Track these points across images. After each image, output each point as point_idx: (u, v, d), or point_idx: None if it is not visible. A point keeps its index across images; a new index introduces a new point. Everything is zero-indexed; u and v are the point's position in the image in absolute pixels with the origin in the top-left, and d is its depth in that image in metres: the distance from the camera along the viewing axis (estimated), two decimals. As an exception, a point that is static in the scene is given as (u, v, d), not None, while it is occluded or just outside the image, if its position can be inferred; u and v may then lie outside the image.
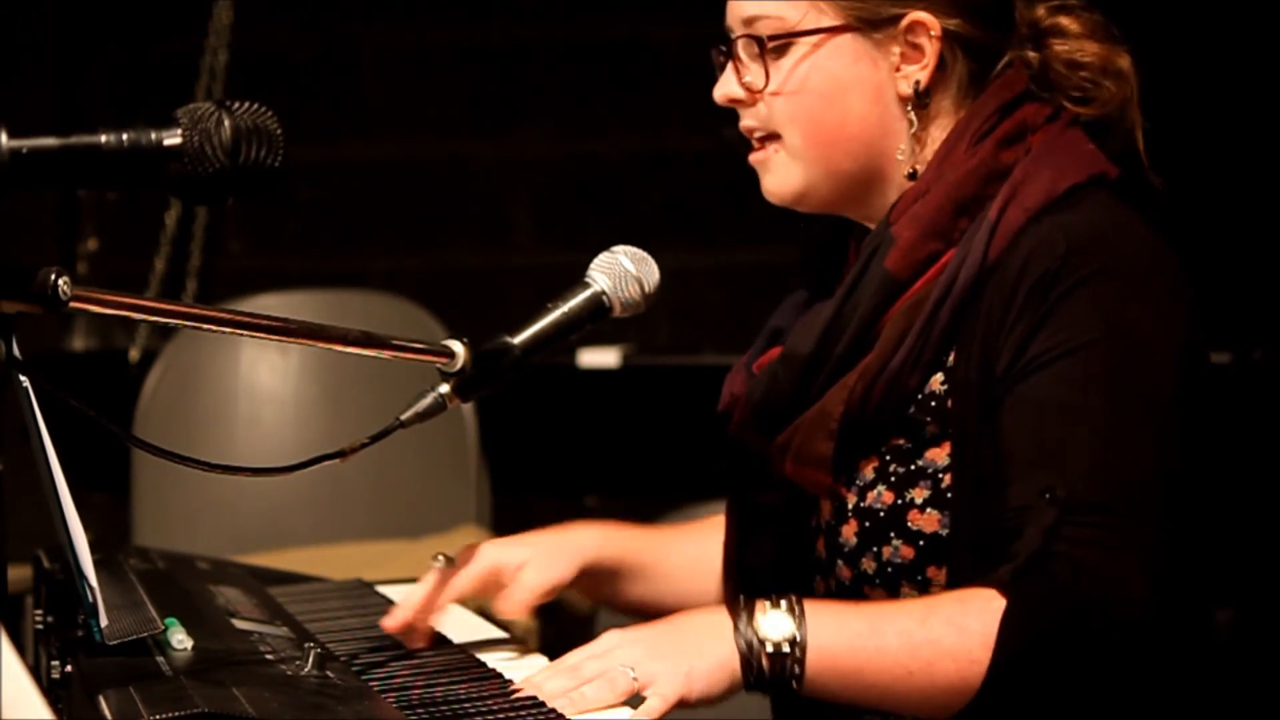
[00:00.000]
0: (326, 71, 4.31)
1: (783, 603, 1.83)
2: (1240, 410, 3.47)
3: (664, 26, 4.11)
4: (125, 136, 1.61)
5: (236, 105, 1.66)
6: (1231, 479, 1.97)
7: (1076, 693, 1.80)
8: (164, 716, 1.52)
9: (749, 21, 2.01)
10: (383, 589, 2.39)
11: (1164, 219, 1.97)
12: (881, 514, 1.95)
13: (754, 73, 2.00)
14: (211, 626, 1.95)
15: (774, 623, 1.82)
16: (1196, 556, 1.88)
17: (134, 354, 4.26)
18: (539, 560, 2.10)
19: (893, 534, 1.94)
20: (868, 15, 1.97)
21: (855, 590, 1.97)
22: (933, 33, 1.97)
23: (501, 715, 1.75)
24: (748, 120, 2.03)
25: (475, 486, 3.84)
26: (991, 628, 1.79)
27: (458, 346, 1.93)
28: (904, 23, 1.97)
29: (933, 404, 1.94)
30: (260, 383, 3.90)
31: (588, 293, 2.00)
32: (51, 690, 1.72)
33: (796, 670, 1.81)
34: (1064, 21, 2.03)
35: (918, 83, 1.98)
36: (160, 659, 1.74)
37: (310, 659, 1.81)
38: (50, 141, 1.59)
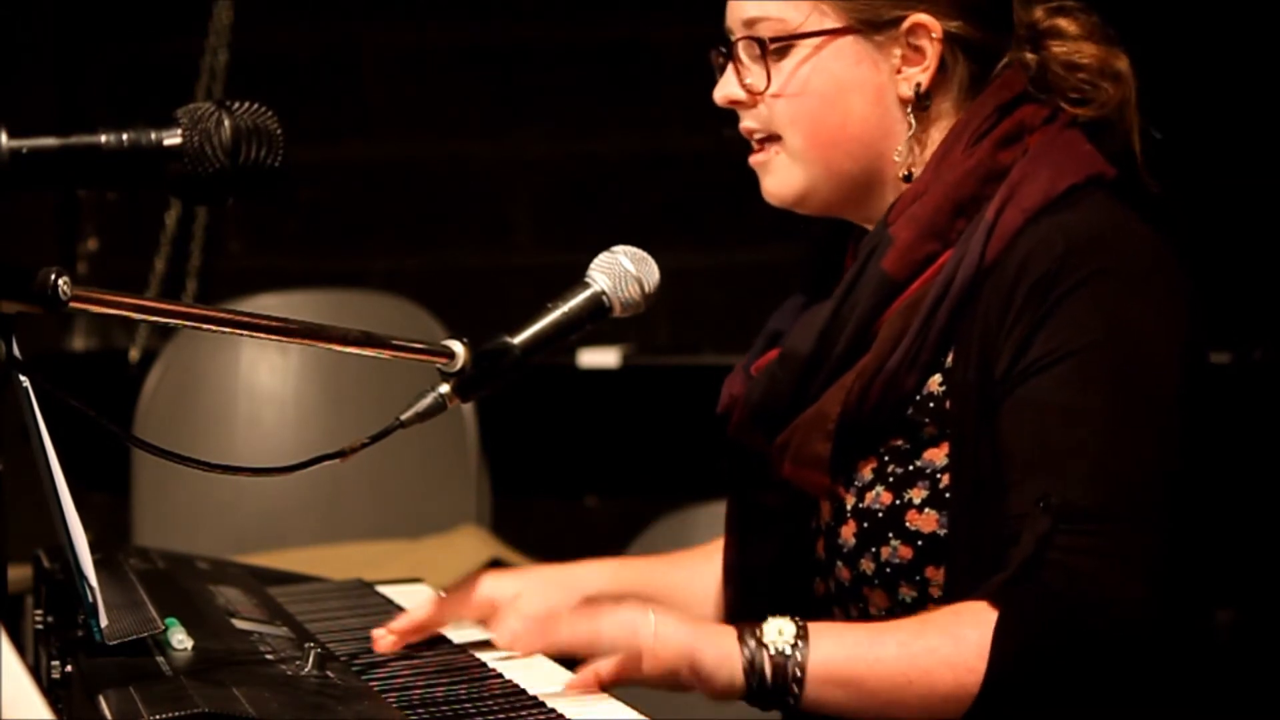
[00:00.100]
0: (326, 71, 4.31)
1: (786, 617, 1.84)
2: (1240, 410, 3.47)
3: (664, 26, 4.11)
4: (125, 136, 1.61)
5: (236, 105, 1.66)
6: (1231, 479, 1.97)
7: (1075, 697, 1.80)
8: (164, 716, 1.52)
9: (750, 23, 2.00)
10: (383, 589, 2.39)
11: (1163, 219, 1.97)
12: (880, 515, 1.95)
13: (755, 74, 2.00)
14: (211, 626, 1.95)
15: (777, 629, 1.83)
16: (1197, 558, 1.88)
17: (134, 354, 4.26)
18: (536, 590, 2.10)
19: (891, 534, 1.94)
20: (869, 17, 1.97)
21: (854, 591, 1.97)
22: (934, 35, 1.97)
23: (502, 715, 1.75)
24: (748, 122, 2.03)
25: (475, 486, 3.84)
26: (987, 637, 1.80)
27: (458, 346, 1.93)
28: (905, 25, 1.97)
29: (930, 405, 1.94)
30: (260, 383, 3.90)
31: (588, 293, 2.00)
32: (51, 690, 1.72)
33: (798, 674, 1.81)
34: (1062, 23, 2.03)
35: (919, 85, 1.98)
36: (160, 659, 1.74)
37: (310, 659, 1.81)
38: (50, 141, 1.59)
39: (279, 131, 1.67)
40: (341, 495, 3.80)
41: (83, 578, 1.73)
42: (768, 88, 2.00)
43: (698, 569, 2.24)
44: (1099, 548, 1.80)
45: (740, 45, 2.01)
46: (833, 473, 1.98)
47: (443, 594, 2.13)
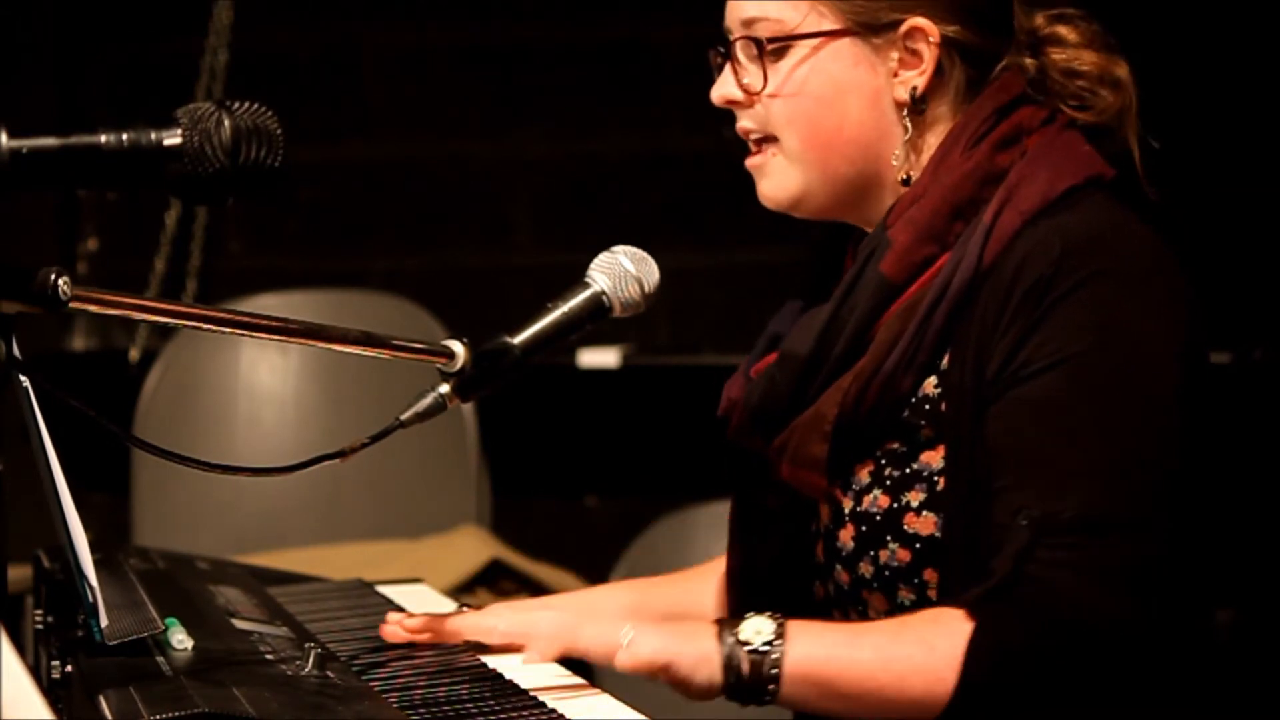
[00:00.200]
0: (326, 71, 4.31)
1: (765, 614, 1.85)
2: (1240, 410, 3.47)
3: (664, 26, 4.11)
4: (125, 136, 1.61)
5: (236, 105, 1.66)
6: (1231, 479, 1.97)
7: (1053, 708, 1.80)
8: (164, 716, 1.52)
9: (748, 23, 2.00)
10: (383, 589, 2.39)
11: (1162, 220, 1.96)
12: (878, 518, 1.95)
13: (752, 74, 2.00)
14: (211, 626, 1.95)
15: (755, 628, 1.84)
16: (1196, 561, 1.88)
17: (134, 354, 4.26)
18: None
19: (889, 537, 1.94)
20: (867, 20, 1.97)
21: (854, 594, 1.97)
22: (931, 39, 1.97)
23: (503, 715, 1.75)
24: (745, 122, 2.03)
25: (475, 486, 3.84)
26: (959, 648, 1.80)
27: (458, 346, 1.93)
28: (903, 28, 1.97)
29: (926, 407, 1.93)
30: (260, 383, 3.90)
31: (588, 293, 2.00)
32: (51, 690, 1.72)
33: (774, 673, 1.82)
34: (1062, 30, 2.03)
35: (915, 88, 1.98)
36: (160, 659, 1.74)
37: (310, 659, 1.81)
38: (50, 141, 1.59)
39: (279, 131, 1.67)
40: (341, 495, 3.80)
41: (83, 578, 1.73)
42: (764, 88, 2.00)
43: (709, 585, 2.24)
44: (1079, 561, 1.80)
45: (738, 45, 2.01)
46: (830, 475, 1.98)
47: (465, 609, 2.13)
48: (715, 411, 2.12)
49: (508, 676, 1.88)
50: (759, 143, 2.03)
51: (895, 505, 1.94)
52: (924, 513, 1.92)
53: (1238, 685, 2.03)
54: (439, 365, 1.94)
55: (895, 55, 1.98)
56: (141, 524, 3.85)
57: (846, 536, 1.97)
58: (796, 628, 1.85)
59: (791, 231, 2.18)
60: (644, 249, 2.03)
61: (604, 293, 2.00)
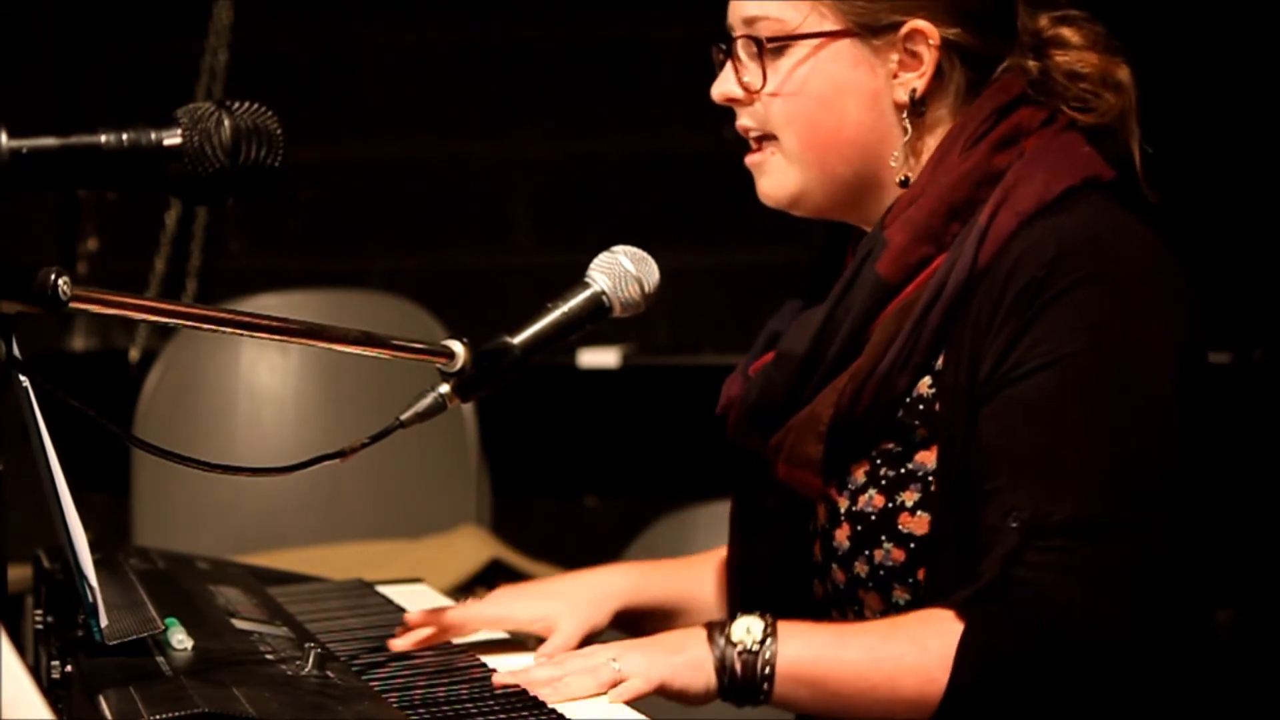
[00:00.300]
0: (326, 71, 4.31)
1: (755, 614, 1.86)
2: (1240, 410, 3.47)
3: (664, 26, 4.11)
4: (125, 136, 1.61)
5: (236, 105, 1.66)
6: (1231, 479, 1.97)
7: (1047, 708, 1.80)
8: (164, 716, 1.52)
9: (749, 21, 2.00)
10: (383, 589, 2.39)
11: (1162, 220, 1.96)
12: (873, 517, 1.95)
13: (752, 73, 2.00)
14: (211, 626, 1.95)
15: (745, 628, 1.85)
16: (1192, 561, 1.88)
17: (134, 354, 4.26)
18: (568, 613, 2.10)
19: (884, 537, 1.94)
20: (867, 21, 1.97)
21: (850, 594, 1.98)
22: (931, 41, 1.97)
23: (502, 715, 1.75)
24: (744, 120, 2.03)
25: (475, 486, 3.84)
26: (950, 649, 1.81)
27: (458, 346, 1.93)
28: (903, 30, 1.97)
29: (921, 407, 1.94)
30: (260, 383, 3.90)
31: (588, 293, 2.00)
32: (51, 690, 1.72)
33: (767, 672, 1.83)
34: (1066, 33, 2.02)
35: (914, 90, 1.98)
36: (160, 659, 1.74)
37: (310, 659, 1.81)
38: (50, 141, 1.59)
39: (279, 131, 1.67)
40: (341, 495, 3.80)
41: (83, 578, 1.73)
42: (764, 86, 2.00)
43: (710, 572, 2.24)
44: (1069, 564, 1.80)
45: (739, 43, 2.01)
46: (825, 475, 1.98)
47: (475, 598, 2.14)
48: (715, 411, 2.13)
49: (508, 677, 1.88)
50: (759, 141, 2.03)
51: (890, 505, 1.94)
52: (918, 512, 1.92)
53: (1238, 685, 2.02)
54: (439, 365, 1.94)
55: (895, 57, 1.98)
56: (141, 524, 3.85)
57: (842, 536, 1.97)
58: (787, 628, 1.85)
59: (792, 232, 2.18)
60: (644, 249, 2.03)
61: (604, 293, 2.00)
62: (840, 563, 1.98)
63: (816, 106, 1.99)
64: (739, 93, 2.02)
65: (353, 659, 1.96)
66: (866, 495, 1.96)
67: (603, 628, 2.14)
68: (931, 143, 2.00)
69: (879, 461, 1.96)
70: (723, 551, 2.23)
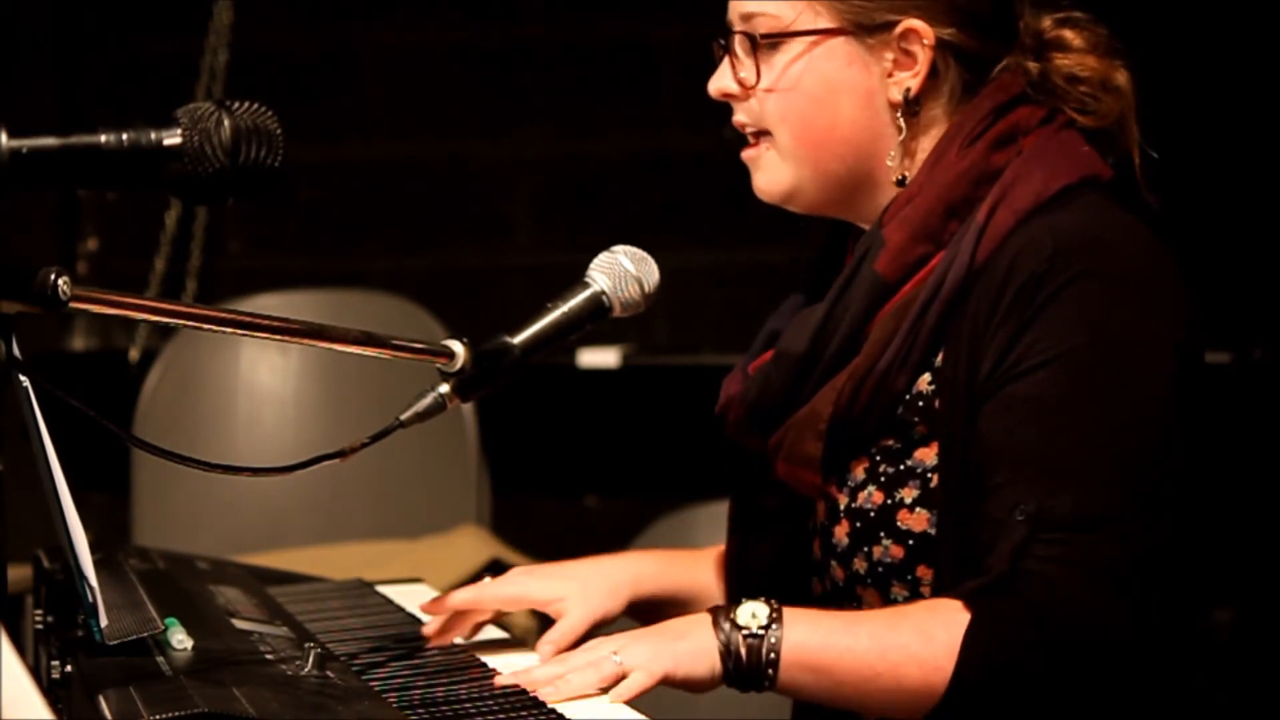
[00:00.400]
0: (326, 71, 4.31)
1: (760, 600, 1.86)
2: (1240, 410, 3.47)
3: (664, 26, 4.11)
4: (125, 136, 1.61)
5: (236, 105, 1.66)
6: (1231, 479, 1.97)
7: (1048, 702, 1.80)
8: (164, 716, 1.52)
9: (746, 18, 2.01)
10: (383, 589, 2.39)
11: (1161, 220, 1.96)
12: (872, 514, 1.95)
13: (748, 68, 2.01)
14: (211, 626, 1.95)
15: (751, 612, 1.85)
16: (1189, 561, 1.88)
17: (134, 354, 4.26)
18: (581, 596, 2.10)
19: (882, 534, 1.94)
20: (862, 20, 1.97)
21: (848, 591, 1.98)
22: (926, 41, 1.97)
23: (502, 715, 1.75)
24: (740, 115, 2.04)
25: (475, 486, 3.84)
26: (956, 639, 1.81)
27: (458, 346, 1.93)
28: (898, 29, 1.97)
29: (920, 404, 1.94)
30: (260, 383, 3.90)
31: (588, 293, 2.00)
32: (51, 690, 1.72)
33: (772, 657, 1.82)
34: (1068, 35, 2.02)
35: (908, 90, 1.98)
36: (160, 659, 1.74)
37: (310, 659, 1.81)
38: (50, 141, 1.59)
39: (279, 131, 1.67)
40: (341, 495, 3.80)
41: (83, 578, 1.73)
42: (758, 82, 2.00)
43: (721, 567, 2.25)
44: (1074, 557, 1.81)
45: (736, 39, 2.02)
46: (824, 473, 1.98)
47: (488, 580, 2.14)
48: (714, 410, 2.13)
49: (507, 677, 1.89)
50: (754, 136, 2.04)
51: (889, 501, 1.94)
52: (917, 509, 1.93)
53: (1238, 685, 2.03)
54: (439, 365, 1.94)
55: (890, 56, 1.98)
56: (141, 524, 3.85)
57: (841, 532, 1.97)
58: (792, 613, 1.85)
59: (791, 232, 2.18)
60: (644, 249, 2.03)
61: (604, 293, 2.00)
62: (839, 560, 1.98)
63: (810, 103, 1.99)
64: (734, 88, 2.02)
65: (353, 659, 1.96)
66: (866, 492, 1.96)
67: (615, 615, 2.14)
68: (926, 142, 2.00)
69: (878, 458, 1.96)
70: None
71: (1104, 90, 2.01)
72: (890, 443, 1.95)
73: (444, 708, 1.77)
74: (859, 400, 1.95)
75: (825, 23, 1.98)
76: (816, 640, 1.84)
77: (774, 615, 1.84)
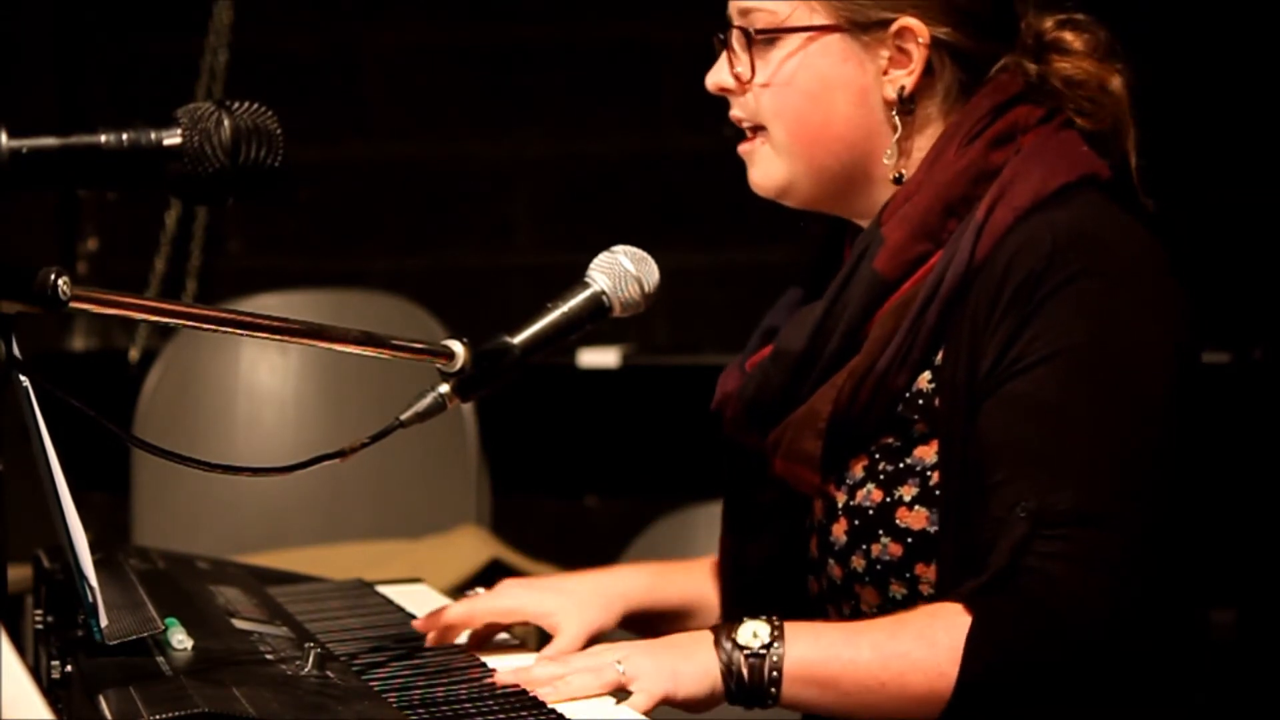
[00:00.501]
0: (326, 71, 4.31)
1: (761, 618, 1.85)
2: (1240, 410, 3.47)
3: (664, 26, 4.11)
4: (125, 136, 1.61)
5: (236, 105, 1.66)
6: (1230, 479, 1.97)
7: (1051, 701, 1.80)
8: (164, 716, 1.52)
9: (744, 13, 2.02)
10: (383, 589, 2.39)
11: (1159, 222, 1.96)
12: (870, 512, 1.95)
13: (744, 64, 2.01)
14: (211, 626, 1.95)
15: (752, 631, 1.84)
16: (1187, 559, 1.88)
17: (134, 354, 4.26)
18: (575, 610, 2.10)
19: (881, 532, 1.94)
20: (857, 17, 1.98)
21: (846, 589, 1.98)
22: (921, 40, 1.97)
23: (502, 715, 1.75)
24: (736, 110, 2.05)
25: (475, 486, 3.84)
26: (958, 642, 1.81)
27: (458, 346, 1.93)
28: (893, 27, 1.97)
29: (920, 402, 1.94)
30: (260, 383, 3.90)
31: (588, 293, 2.00)
32: (51, 690, 1.72)
33: (775, 675, 1.82)
34: (1068, 37, 2.03)
35: (903, 88, 1.98)
36: (160, 659, 1.74)
37: (310, 659, 1.81)
38: (50, 141, 1.59)
39: (279, 131, 1.67)
40: (341, 495, 3.80)
41: (83, 578, 1.73)
42: (754, 78, 2.00)
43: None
44: (1074, 553, 1.81)
45: (733, 34, 2.02)
46: (823, 471, 1.98)
47: (479, 592, 2.14)
48: (710, 407, 2.13)
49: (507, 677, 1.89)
50: (751, 131, 2.04)
51: (888, 500, 1.94)
52: (916, 507, 1.93)
53: (1238, 685, 2.03)
54: (439, 365, 1.94)
55: (885, 54, 1.98)
56: (141, 524, 3.85)
57: (839, 531, 1.97)
58: (794, 628, 1.85)
59: (791, 231, 2.18)
60: (644, 249, 2.03)
61: (604, 293, 2.00)
62: (837, 558, 1.98)
63: (804, 99, 1.99)
64: (730, 83, 2.03)
65: (353, 659, 1.96)
66: (864, 490, 1.96)
67: (610, 628, 2.13)
68: (922, 141, 2.01)
69: (877, 456, 1.96)
70: None
71: (1101, 94, 2.01)
72: (890, 441, 1.95)
73: (444, 708, 1.77)
74: (859, 399, 1.95)
75: (820, 19, 1.98)
76: (818, 654, 1.84)
77: (775, 633, 1.84)
